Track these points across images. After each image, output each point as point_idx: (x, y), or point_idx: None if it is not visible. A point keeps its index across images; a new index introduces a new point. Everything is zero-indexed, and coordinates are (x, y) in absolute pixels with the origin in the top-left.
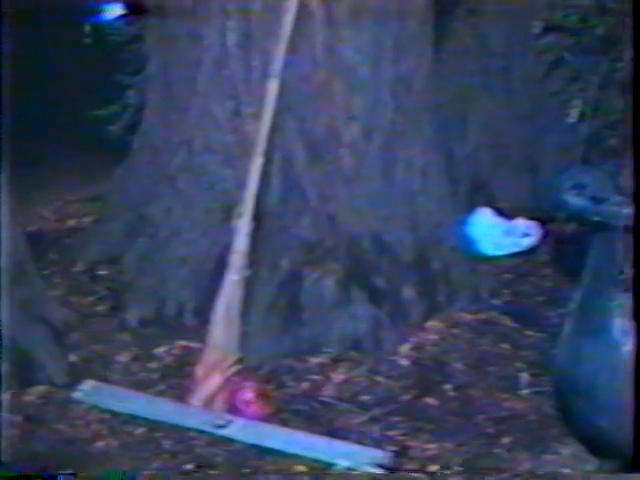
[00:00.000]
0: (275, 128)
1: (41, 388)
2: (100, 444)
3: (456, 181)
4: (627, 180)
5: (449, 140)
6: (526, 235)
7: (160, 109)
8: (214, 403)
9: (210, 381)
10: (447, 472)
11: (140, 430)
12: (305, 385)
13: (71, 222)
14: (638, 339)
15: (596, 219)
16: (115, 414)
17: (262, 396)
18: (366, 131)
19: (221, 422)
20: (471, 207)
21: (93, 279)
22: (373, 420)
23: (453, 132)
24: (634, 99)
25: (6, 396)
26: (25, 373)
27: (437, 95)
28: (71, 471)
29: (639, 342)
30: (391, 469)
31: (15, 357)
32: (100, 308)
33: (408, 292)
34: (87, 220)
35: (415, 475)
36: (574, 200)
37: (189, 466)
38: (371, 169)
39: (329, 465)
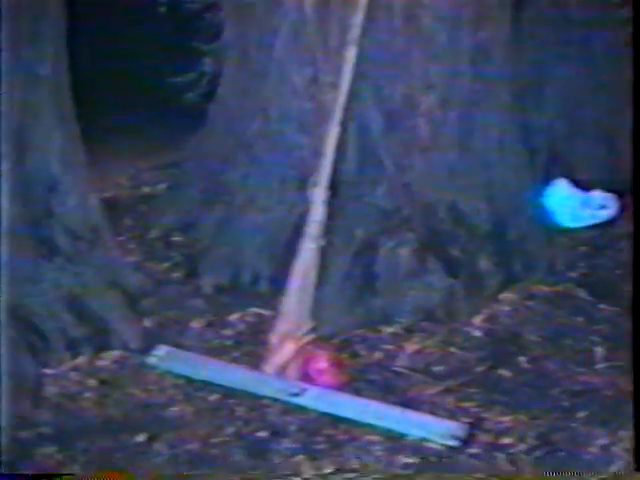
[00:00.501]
0: (352, 96)
1: (115, 353)
2: (174, 409)
3: (533, 151)
4: None
5: (526, 110)
6: (603, 207)
7: (237, 76)
8: (287, 371)
9: (283, 349)
10: (521, 445)
11: (214, 397)
12: (378, 355)
13: (146, 189)
14: (638, 339)
15: None
16: (189, 380)
17: (335, 365)
18: (443, 100)
19: (295, 390)
20: (547, 178)
21: (168, 245)
22: (447, 391)
23: (530, 102)
24: (634, 99)
25: (80, 360)
26: (100, 338)
27: (515, 64)
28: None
29: (639, 342)
30: (465, 441)
31: (90, 322)
32: (175, 274)
33: (483, 263)
34: (162, 187)
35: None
36: None
37: (262, 433)
38: (448, 138)
39: (402, 435)
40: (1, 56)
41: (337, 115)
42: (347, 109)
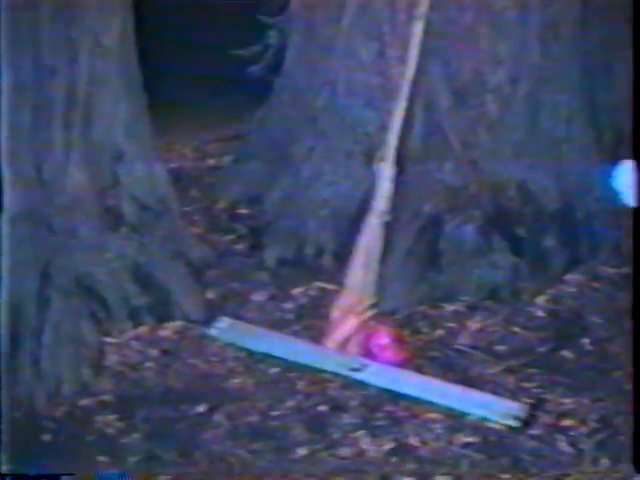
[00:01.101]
0: (419, 71)
1: (177, 323)
2: (235, 381)
3: (600, 131)
4: None
5: (594, 89)
6: None
7: (303, 50)
8: (348, 346)
9: (345, 324)
10: (582, 428)
11: (275, 369)
12: (440, 332)
13: (211, 161)
14: (637, 337)
15: None
16: (250, 352)
17: (397, 341)
18: (512, 77)
19: (356, 365)
20: (615, 158)
21: (233, 218)
22: (508, 371)
23: (598, 81)
24: (634, 99)
25: (142, 329)
26: (162, 308)
27: (584, 42)
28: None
29: (638, 338)
30: (526, 422)
31: (153, 292)
32: (239, 247)
33: (549, 242)
34: (227, 159)
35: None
36: None
37: (322, 407)
38: (516, 115)
39: (463, 414)
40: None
41: (404, 90)
42: (414, 84)
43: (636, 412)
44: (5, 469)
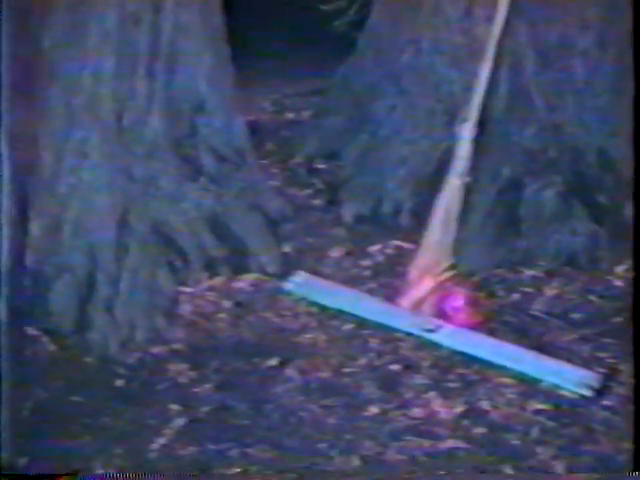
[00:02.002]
0: (506, 32)
1: (253, 276)
2: (308, 336)
3: None
4: None
5: None
6: None
7: (388, 6)
8: (423, 306)
9: (421, 284)
10: None
11: (348, 326)
12: (516, 297)
13: (290, 115)
14: (638, 337)
15: None
16: (324, 308)
17: (472, 304)
18: (600, 41)
19: (430, 326)
20: None
21: (310, 172)
22: (583, 339)
23: None
24: (635, 99)
25: (218, 280)
26: (238, 260)
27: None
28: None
29: (639, 340)
30: (599, 391)
31: (229, 244)
32: (316, 202)
33: (630, 211)
34: (306, 114)
35: None
36: None
37: (395, 367)
38: (602, 81)
39: (536, 381)
40: None
41: (490, 51)
42: (500, 45)
43: (636, 412)
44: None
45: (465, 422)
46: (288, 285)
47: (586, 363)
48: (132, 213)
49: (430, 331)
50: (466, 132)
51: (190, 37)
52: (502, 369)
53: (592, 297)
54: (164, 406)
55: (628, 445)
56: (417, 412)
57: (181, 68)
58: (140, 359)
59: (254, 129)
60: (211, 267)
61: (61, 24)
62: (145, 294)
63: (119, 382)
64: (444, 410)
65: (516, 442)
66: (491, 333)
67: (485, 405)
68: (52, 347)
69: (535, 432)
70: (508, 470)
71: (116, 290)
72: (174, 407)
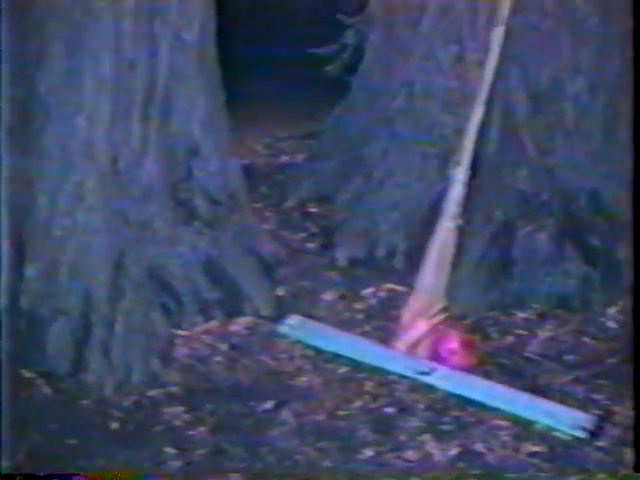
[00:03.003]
0: (498, 76)
1: (247, 319)
2: (303, 379)
3: None
4: None
5: None
6: None
7: (381, 51)
8: (417, 349)
9: (415, 326)
10: None
11: (343, 369)
12: (510, 339)
13: (284, 158)
14: (638, 338)
15: None
16: (319, 351)
17: (466, 346)
18: (591, 85)
19: (424, 369)
20: None
21: (304, 216)
22: (577, 381)
23: None
24: (634, 99)
25: (212, 324)
26: (232, 303)
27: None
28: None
29: (639, 342)
30: (593, 433)
31: (224, 287)
32: (310, 245)
33: (622, 253)
34: (300, 157)
35: None
36: None
37: (389, 409)
38: (593, 124)
39: (530, 423)
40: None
41: (482, 95)
42: (492, 89)
43: (636, 412)
44: (6, 468)
45: (460, 464)
46: (283, 328)
47: (581, 405)
48: (127, 256)
49: (425, 374)
50: (459, 175)
51: (185, 82)
52: (496, 411)
53: (585, 339)
54: (159, 449)
55: None
56: (411, 455)
57: (176, 112)
58: (136, 402)
59: (248, 172)
60: (206, 310)
61: (57, 68)
62: (140, 337)
63: (114, 425)
64: (439, 452)
65: None
66: (485, 375)
67: (480, 447)
68: (47, 390)
69: (530, 473)
70: None
71: (112, 333)
72: (169, 450)
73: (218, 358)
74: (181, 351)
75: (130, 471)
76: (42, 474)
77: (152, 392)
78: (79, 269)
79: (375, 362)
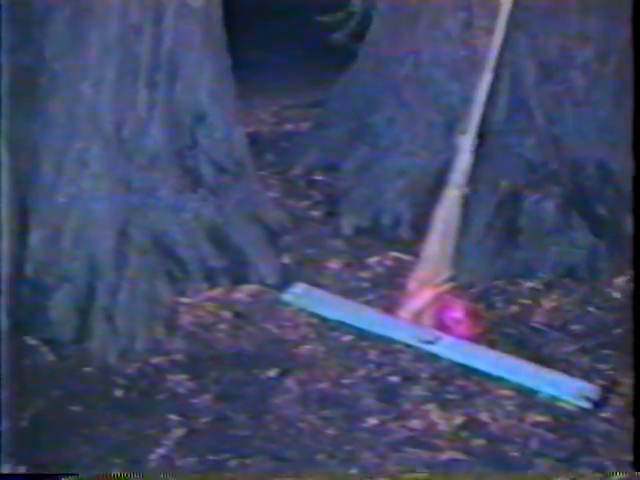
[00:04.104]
0: (506, 44)
1: (252, 287)
2: (307, 347)
3: None
4: None
5: None
6: None
7: (388, 18)
8: (422, 318)
9: (420, 295)
10: None
11: (347, 337)
12: (515, 308)
13: (289, 126)
14: (638, 338)
15: None
16: (323, 319)
17: (471, 315)
18: (600, 54)
19: (429, 338)
20: None
21: (309, 184)
22: (582, 351)
23: None
24: (634, 99)
25: (217, 291)
26: (237, 271)
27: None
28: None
29: (639, 341)
30: (597, 403)
31: (229, 254)
32: (315, 213)
33: (629, 223)
34: (306, 125)
35: None
36: None
37: (394, 378)
38: (602, 93)
39: (534, 392)
40: None
41: (490, 62)
42: (500, 57)
43: (636, 412)
44: (5, 469)
45: (464, 433)
46: (287, 296)
47: (585, 375)
48: (132, 223)
49: (429, 343)
50: (465, 144)
51: (191, 48)
52: (501, 381)
53: (591, 309)
54: (163, 416)
55: (628, 457)
56: (416, 423)
57: (182, 79)
58: (139, 369)
59: (253, 140)
60: (210, 278)
61: (62, 34)
62: (145, 304)
63: (118, 392)
64: (443, 422)
65: (515, 454)
66: (490, 345)
67: (484, 417)
68: (51, 357)
69: (534, 444)
70: None
71: (116, 300)
72: (173, 417)
73: (222, 326)
74: (185, 319)
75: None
76: (43, 474)
77: (156, 360)
78: (83, 236)
79: (379, 331)
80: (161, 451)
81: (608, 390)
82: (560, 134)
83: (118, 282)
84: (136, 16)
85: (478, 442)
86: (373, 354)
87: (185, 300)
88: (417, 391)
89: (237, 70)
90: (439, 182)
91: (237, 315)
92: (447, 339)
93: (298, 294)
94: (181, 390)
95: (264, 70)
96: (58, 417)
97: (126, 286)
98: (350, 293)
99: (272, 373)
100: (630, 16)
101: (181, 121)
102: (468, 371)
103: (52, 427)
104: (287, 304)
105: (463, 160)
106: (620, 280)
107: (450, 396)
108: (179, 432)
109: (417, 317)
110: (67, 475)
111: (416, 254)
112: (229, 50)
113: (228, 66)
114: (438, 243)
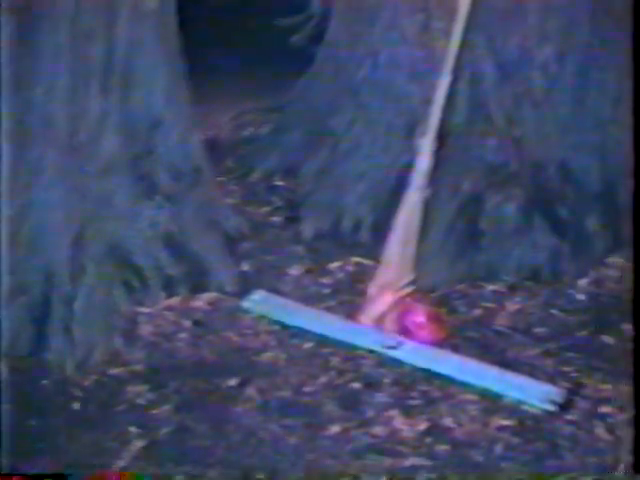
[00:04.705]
0: (464, 45)
1: (211, 295)
2: (268, 355)
3: None
4: None
5: None
6: None
7: (346, 21)
8: (384, 323)
9: (382, 300)
10: (621, 415)
11: (308, 344)
12: (478, 312)
13: (248, 131)
14: (638, 339)
15: None
16: (284, 326)
17: (434, 320)
18: (560, 54)
19: (391, 343)
20: None
21: (269, 189)
22: (547, 354)
23: None
24: (634, 98)
25: (175, 300)
26: (196, 279)
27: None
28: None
29: (639, 342)
30: (563, 406)
31: (187, 262)
32: (275, 219)
33: (592, 224)
34: (265, 129)
35: None
36: None
37: (356, 384)
38: (562, 93)
39: (499, 396)
40: None
41: (448, 64)
42: (459, 58)
43: (636, 412)
44: (6, 466)
45: (428, 440)
46: (247, 304)
47: (550, 378)
48: (87, 232)
49: (392, 348)
50: (425, 146)
51: (145, 53)
52: (465, 385)
53: (554, 311)
54: (122, 429)
55: (594, 460)
56: (379, 430)
57: (136, 84)
58: (98, 381)
59: (212, 146)
60: (169, 286)
61: (12, 39)
62: (102, 314)
63: (76, 405)
64: (406, 428)
65: (480, 459)
66: (454, 349)
67: (448, 422)
68: (6, 370)
69: (499, 448)
70: None
71: (72, 311)
72: (133, 429)
73: (182, 335)
74: (144, 328)
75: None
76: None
77: (115, 370)
78: (38, 246)
79: (341, 337)
80: (121, 463)
81: (573, 393)
82: (520, 135)
83: (74, 292)
84: (88, 20)
85: (442, 447)
86: (335, 361)
87: (143, 309)
88: (380, 397)
89: (193, 75)
90: (400, 185)
91: (197, 324)
92: (410, 344)
93: (258, 301)
94: (141, 401)
95: (222, 74)
96: (14, 431)
97: (82, 296)
98: (311, 299)
99: (233, 382)
100: (630, 17)
101: (136, 127)
102: (431, 376)
103: (8, 441)
104: (247, 312)
105: (423, 162)
106: (583, 281)
107: (413, 402)
108: (139, 444)
109: (379, 322)
110: (67, 475)
111: (377, 258)
112: (185, 54)
113: (184, 70)
114: (399, 246)
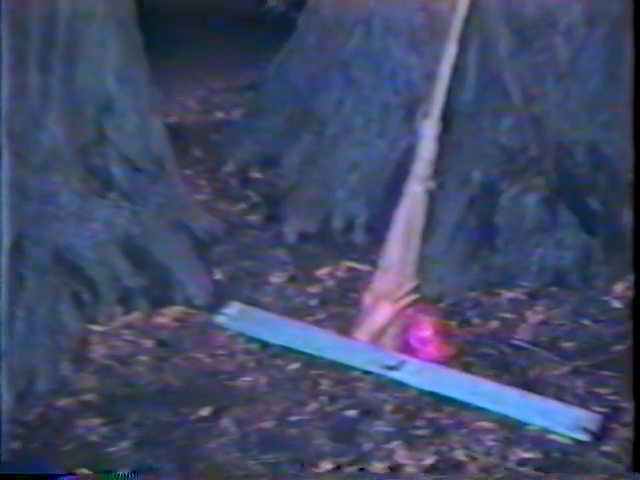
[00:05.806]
0: (474, 7)
1: (177, 309)
2: (246, 380)
3: None
4: None
5: None
6: None
7: None
8: (383, 339)
9: (380, 312)
10: None
11: (294, 366)
12: (494, 324)
13: (219, 114)
14: (638, 336)
15: None
16: (264, 345)
17: (442, 334)
18: (587, 16)
19: (391, 362)
20: None
21: (245, 183)
22: (577, 373)
23: None
24: (634, 98)
25: (135, 316)
26: (159, 290)
27: None
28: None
29: (639, 341)
30: (597, 435)
31: (148, 271)
32: (252, 218)
33: (628, 217)
34: (239, 112)
35: None
36: None
37: (351, 412)
38: (591, 63)
39: (521, 424)
40: None
41: (454, 31)
42: (467, 23)
43: (636, 412)
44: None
45: (436, 476)
46: (221, 318)
47: (581, 402)
48: (27, 237)
49: (392, 368)
50: (428, 129)
51: (93, 22)
52: (480, 411)
53: (586, 322)
54: (71, 471)
55: None
56: (378, 466)
57: (83, 60)
58: (41, 414)
59: (176, 132)
60: (126, 300)
61: None
62: (46, 335)
63: (16, 444)
64: (411, 462)
65: None
66: (466, 369)
67: (460, 455)
68: None
69: None
70: None
71: (10, 331)
72: (84, 472)
73: (142, 357)
74: (97, 350)
75: None
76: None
77: (62, 402)
78: None
79: (333, 356)
80: None
81: (609, 419)
82: (541, 114)
83: (12, 309)
84: None
85: None
86: (325, 384)
87: (96, 328)
88: (379, 427)
89: (152, 48)
90: (399, 176)
91: (160, 344)
92: (413, 363)
93: (233, 316)
94: (93, 437)
95: (186, 48)
96: None
97: (23, 313)
98: (296, 312)
99: (204, 412)
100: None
101: (83, 111)
102: (439, 401)
103: None
104: (220, 328)
105: (427, 149)
106: (620, 286)
107: (419, 432)
108: None
109: (377, 338)
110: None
111: (374, 263)
112: (143, 24)
113: (140, 44)
114: (399, 249)
